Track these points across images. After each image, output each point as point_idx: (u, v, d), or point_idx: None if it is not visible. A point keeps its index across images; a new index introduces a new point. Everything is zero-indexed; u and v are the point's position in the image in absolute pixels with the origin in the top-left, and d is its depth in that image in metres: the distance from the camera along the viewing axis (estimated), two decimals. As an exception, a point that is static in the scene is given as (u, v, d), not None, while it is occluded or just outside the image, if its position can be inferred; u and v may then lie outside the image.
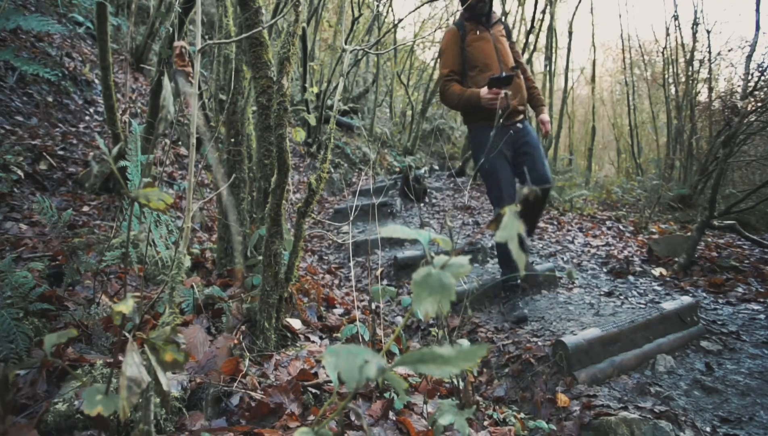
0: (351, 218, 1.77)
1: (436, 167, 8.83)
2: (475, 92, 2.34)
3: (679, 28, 11.30)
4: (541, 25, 7.36)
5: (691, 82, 7.93)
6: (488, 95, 2.26)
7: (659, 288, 2.99)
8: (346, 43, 6.42)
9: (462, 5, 2.58)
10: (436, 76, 9.02)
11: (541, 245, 4.28)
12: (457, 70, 2.49)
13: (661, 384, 1.82)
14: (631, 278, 3.26)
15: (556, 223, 5.22)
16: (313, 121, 2.00)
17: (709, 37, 7.61)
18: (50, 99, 3.58)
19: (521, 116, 2.51)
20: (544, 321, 2.38)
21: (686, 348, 2.11)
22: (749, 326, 2.32)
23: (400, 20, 1.78)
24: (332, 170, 6.44)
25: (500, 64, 2.46)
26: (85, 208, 2.67)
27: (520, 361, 1.99)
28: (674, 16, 9.89)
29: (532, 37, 7.08)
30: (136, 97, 4.62)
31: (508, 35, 2.65)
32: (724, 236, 4.46)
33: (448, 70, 2.49)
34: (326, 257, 3.83)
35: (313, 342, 1.72)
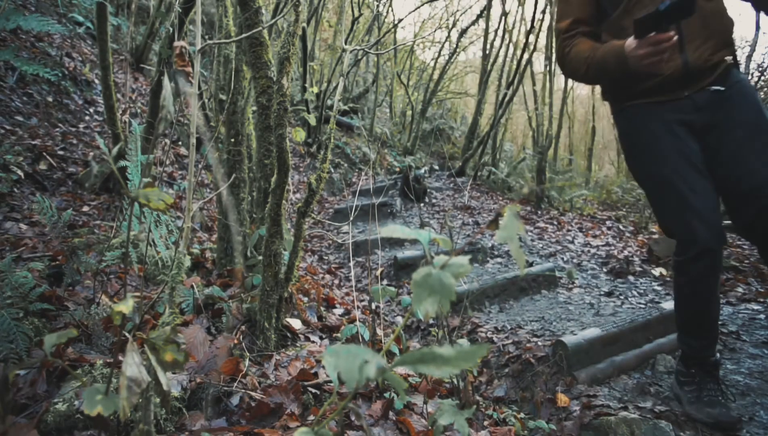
0: (351, 218, 1.77)
1: (436, 167, 8.83)
2: (616, 47, 1.30)
3: (679, 28, 11.28)
4: (541, 25, 7.36)
5: (691, 82, 7.92)
6: (640, 50, 1.21)
7: (659, 288, 2.99)
8: (346, 43, 6.42)
9: None
10: (436, 76, 9.02)
11: (541, 245, 4.28)
12: (586, 18, 1.44)
13: (661, 384, 1.82)
14: (631, 278, 3.26)
15: (556, 223, 5.22)
16: (313, 121, 2.00)
17: (709, 37, 7.60)
18: (50, 99, 3.58)
19: (721, 69, 1.32)
20: (544, 321, 2.38)
21: (686, 348, 2.11)
22: (749, 326, 2.32)
23: (400, 20, 1.79)
24: (332, 170, 6.44)
25: None
26: (85, 208, 2.67)
27: (520, 361, 1.98)
28: (674, 16, 9.87)
29: (532, 37, 7.08)
30: (136, 97, 4.62)
31: None
32: (724, 236, 4.45)
33: (567, 22, 1.46)
34: (326, 257, 3.83)
35: (313, 342, 1.72)
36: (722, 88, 1.31)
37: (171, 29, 2.89)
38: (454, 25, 9.96)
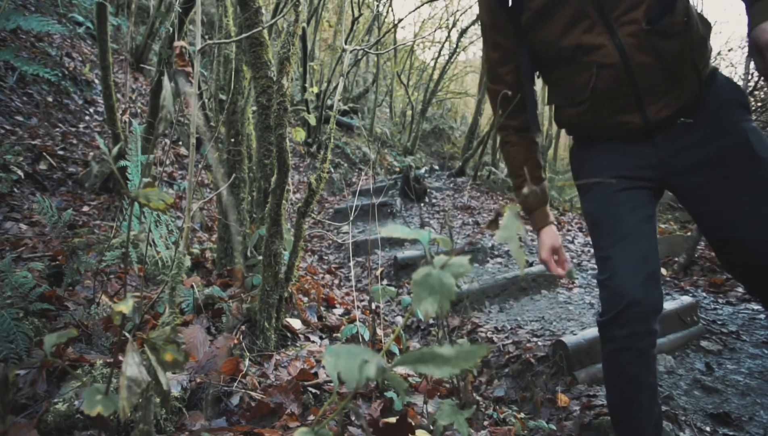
0: (351, 218, 1.77)
1: (436, 167, 8.84)
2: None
3: (679, 28, 11.27)
4: (541, 25, 7.36)
5: (691, 82, 7.92)
6: None
7: (659, 288, 2.99)
8: (346, 43, 6.42)
9: None
10: (436, 76, 9.02)
11: (541, 245, 4.27)
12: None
13: (661, 384, 1.82)
14: (631, 277, 3.25)
15: (556, 223, 5.23)
16: (313, 121, 2.00)
17: (709, 37, 7.60)
18: (50, 99, 3.58)
19: (683, 100, 1.00)
20: (544, 321, 2.38)
21: (686, 348, 2.11)
22: (749, 326, 2.32)
23: (400, 20, 1.79)
24: (332, 170, 6.44)
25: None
26: (85, 208, 2.67)
27: (520, 361, 1.98)
28: (674, 16, 9.87)
29: (532, 37, 7.07)
30: (136, 97, 4.62)
31: None
32: (724, 236, 4.45)
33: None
34: (326, 257, 3.83)
35: (313, 342, 1.72)
36: (690, 121, 1.00)
37: (171, 29, 2.89)
38: (454, 25, 9.96)
